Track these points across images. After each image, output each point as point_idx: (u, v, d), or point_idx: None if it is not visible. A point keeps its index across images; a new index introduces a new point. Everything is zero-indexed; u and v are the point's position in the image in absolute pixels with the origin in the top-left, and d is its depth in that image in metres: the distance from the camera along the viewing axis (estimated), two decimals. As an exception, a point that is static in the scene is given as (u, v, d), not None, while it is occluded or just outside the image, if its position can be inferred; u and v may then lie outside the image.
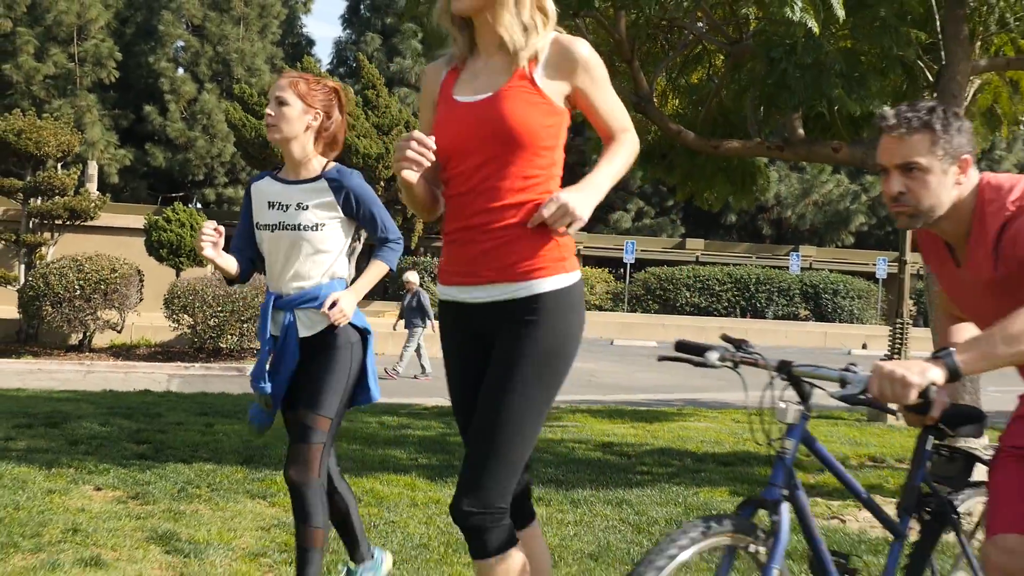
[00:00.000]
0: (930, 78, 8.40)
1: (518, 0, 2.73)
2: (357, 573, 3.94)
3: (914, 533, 3.03)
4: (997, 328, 2.50)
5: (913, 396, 2.39)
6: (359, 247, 29.20)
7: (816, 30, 6.14)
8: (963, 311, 3.04)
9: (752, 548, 2.56)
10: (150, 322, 19.82)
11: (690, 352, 2.72)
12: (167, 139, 38.17)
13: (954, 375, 2.46)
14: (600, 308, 35.48)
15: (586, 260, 37.94)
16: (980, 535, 3.08)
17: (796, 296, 36.59)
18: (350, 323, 3.73)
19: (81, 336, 19.08)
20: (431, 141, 2.67)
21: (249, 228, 3.90)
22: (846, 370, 2.57)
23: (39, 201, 19.58)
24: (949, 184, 2.73)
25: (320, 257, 3.73)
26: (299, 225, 3.71)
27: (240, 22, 39.76)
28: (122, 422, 8.54)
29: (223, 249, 3.76)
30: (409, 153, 2.64)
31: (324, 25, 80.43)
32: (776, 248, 41.43)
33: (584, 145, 40.63)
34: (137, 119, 38.75)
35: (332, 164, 3.81)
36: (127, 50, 39.37)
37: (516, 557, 2.72)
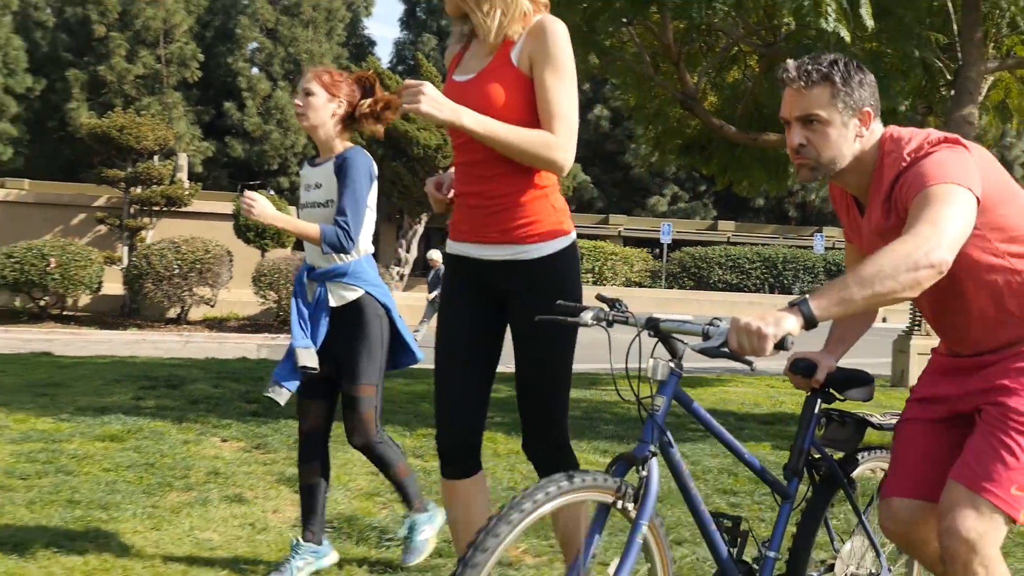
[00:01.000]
0: (948, 76, 8.61)
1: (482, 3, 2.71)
2: (415, 524, 3.91)
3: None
4: (851, 272, 2.30)
5: (769, 347, 2.20)
6: (420, 229, 29.54)
7: (848, 39, 6.38)
8: None
9: (620, 505, 2.38)
10: (238, 298, 20.30)
11: (566, 313, 2.55)
12: (245, 132, 38.66)
13: (810, 322, 2.25)
14: (639, 285, 35.63)
15: (626, 240, 38.06)
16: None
17: (821, 273, 36.52)
18: (373, 296, 3.72)
19: (178, 310, 19.62)
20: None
21: None
22: (710, 324, 2.37)
23: (139, 190, 20.06)
24: (850, 137, 2.54)
25: None
26: (316, 203, 3.75)
27: (309, 25, 40.09)
28: (231, 384, 8.95)
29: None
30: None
31: (383, 26, 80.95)
32: (801, 229, 41.30)
33: (622, 135, 40.31)
34: (218, 114, 39.25)
35: (350, 147, 3.76)
36: (208, 51, 39.83)
37: None
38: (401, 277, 29.00)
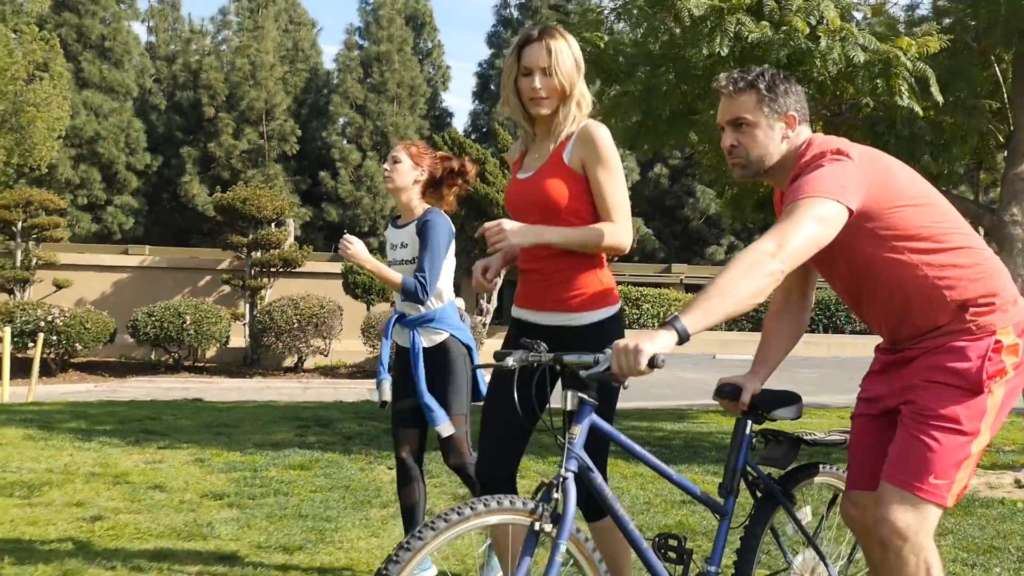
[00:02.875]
0: (1000, 139, 9.01)
1: (577, 103, 2.90)
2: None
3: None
4: (712, 284, 2.30)
5: (643, 362, 2.19)
6: (499, 282, 30.17)
7: (920, 113, 6.86)
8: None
9: (538, 526, 2.37)
10: (346, 347, 21.04)
11: (499, 359, 2.62)
12: (338, 198, 39.80)
13: (683, 336, 2.25)
14: (701, 328, 35.77)
15: (687, 288, 38.31)
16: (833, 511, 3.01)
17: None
18: (457, 339, 3.90)
19: (295, 360, 20.43)
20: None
21: None
22: (601, 352, 2.39)
23: (259, 253, 20.95)
24: (776, 138, 2.59)
25: None
26: (402, 260, 3.94)
27: (394, 101, 41.27)
28: (372, 423, 9.57)
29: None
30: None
31: (458, 98, 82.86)
32: (851, 273, 41.09)
33: (680, 191, 40.42)
34: (314, 183, 40.45)
35: (429, 209, 3.94)
36: (304, 127, 41.17)
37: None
38: (484, 325, 29.67)
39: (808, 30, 6.64)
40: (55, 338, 17.97)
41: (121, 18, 40.65)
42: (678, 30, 7.07)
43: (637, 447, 2.62)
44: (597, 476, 2.52)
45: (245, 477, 6.19)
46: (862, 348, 31.69)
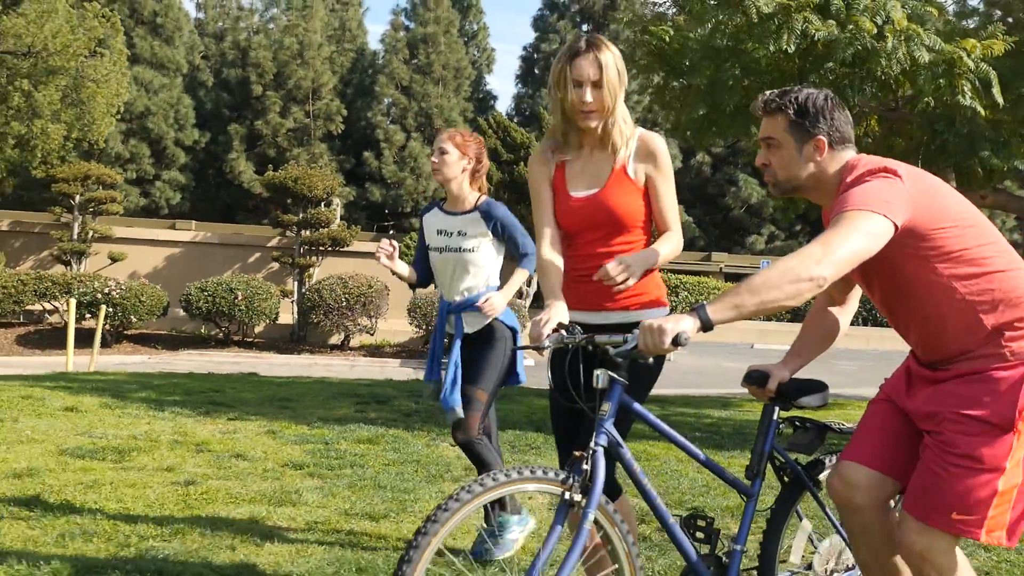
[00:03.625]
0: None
1: (619, 121, 2.92)
2: (506, 522, 4.05)
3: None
4: (746, 280, 2.39)
5: (667, 341, 2.31)
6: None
7: (983, 113, 6.97)
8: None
9: (569, 496, 2.49)
10: (391, 327, 21.36)
11: (534, 343, 2.71)
12: (382, 179, 40.10)
13: (706, 324, 2.35)
14: (740, 317, 35.78)
15: (727, 276, 38.27)
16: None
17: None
18: (502, 321, 3.99)
19: (341, 337, 20.81)
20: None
21: (424, 248, 4.21)
22: (629, 333, 2.53)
23: (308, 232, 21.29)
24: (803, 160, 2.63)
25: (478, 271, 4.04)
26: (460, 248, 4.01)
27: (439, 83, 41.48)
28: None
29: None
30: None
31: (501, 81, 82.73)
32: (893, 266, 40.83)
33: (722, 179, 40.31)
34: (357, 163, 40.75)
35: (483, 198, 4.08)
36: (349, 107, 41.49)
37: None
38: (524, 308, 29.91)
39: (875, 29, 6.75)
40: (111, 310, 18.44)
41: (172, -5, 41.15)
42: (745, 26, 7.21)
43: (666, 427, 2.71)
44: (626, 451, 2.63)
45: (319, 449, 6.47)
46: (901, 342, 31.49)
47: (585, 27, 46.31)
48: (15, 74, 18.87)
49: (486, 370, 3.92)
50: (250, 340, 20.75)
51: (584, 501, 2.48)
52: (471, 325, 4.02)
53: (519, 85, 47.87)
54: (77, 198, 21.24)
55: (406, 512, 4.83)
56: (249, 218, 41.35)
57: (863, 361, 23.79)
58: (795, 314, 35.94)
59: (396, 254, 4.07)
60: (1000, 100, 6.91)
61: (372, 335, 20.48)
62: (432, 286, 4.32)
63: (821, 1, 7.02)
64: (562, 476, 2.50)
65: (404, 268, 4.22)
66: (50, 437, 6.45)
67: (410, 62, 41.63)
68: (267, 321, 20.19)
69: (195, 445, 6.42)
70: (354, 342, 21.02)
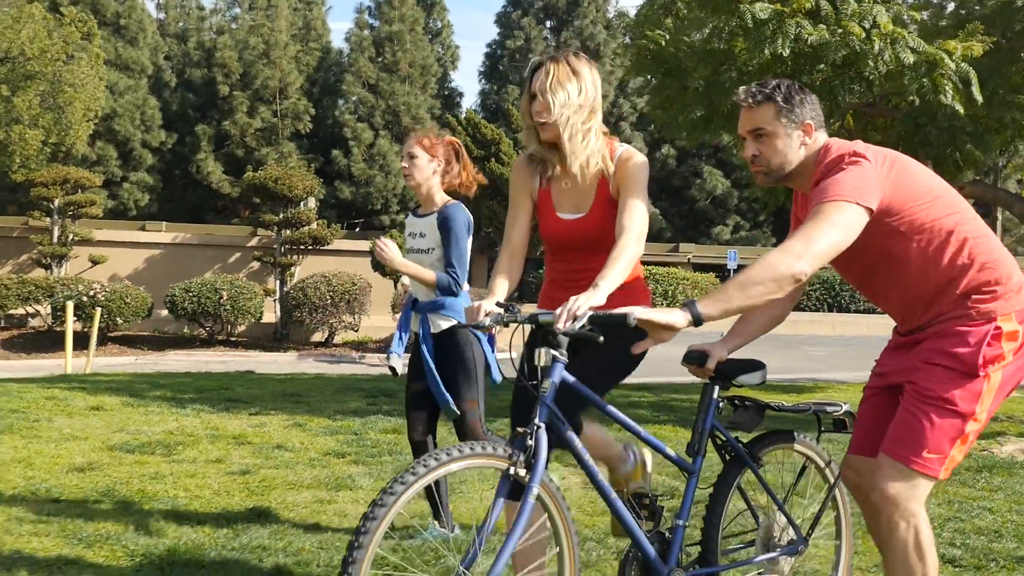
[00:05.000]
0: (1029, 131, 9.59)
1: (579, 134, 2.86)
2: (434, 534, 4.10)
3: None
4: (734, 277, 2.46)
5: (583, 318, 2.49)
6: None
7: (962, 112, 7.43)
8: None
9: (513, 471, 2.51)
10: (374, 323, 21.62)
11: (471, 324, 2.75)
12: (351, 176, 40.25)
13: (696, 319, 2.44)
14: (708, 306, 36.42)
15: (695, 266, 38.93)
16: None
17: (874, 293, 36.99)
18: (468, 327, 4.09)
19: (325, 335, 21.03)
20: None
21: None
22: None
23: (289, 231, 21.47)
24: (795, 145, 2.70)
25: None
26: (420, 249, 4.08)
27: (405, 80, 41.66)
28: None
29: None
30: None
31: (466, 78, 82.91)
32: (854, 253, 41.64)
33: (687, 171, 40.84)
34: (326, 161, 40.83)
35: (449, 202, 4.05)
36: (317, 105, 41.56)
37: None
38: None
39: (863, 33, 7.19)
40: (93, 312, 18.51)
41: (135, -4, 40.93)
42: (740, 30, 7.61)
43: (609, 406, 2.75)
44: (567, 427, 2.64)
45: (351, 439, 6.79)
46: (866, 327, 32.35)
47: (549, 23, 46.69)
48: (-7, 79, 18.88)
49: (463, 382, 3.97)
50: (234, 339, 20.91)
51: (528, 476, 2.50)
52: (436, 326, 4.07)
53: (483, 81, 48.22)
54: (56, 202, 21.24)
55: (455, 493, 5.17)
56: (218, 218, 41.33)
57: (832, 347, 24.43)
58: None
59: (390, 248, 4.01)
60: (979, 98, 7.38)
61: (356, 331, 20.73)
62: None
63: (812, 7, 7.44)
64: (507, 452, 2.52)
65: (422, 270, 4.14)
66: (91, 434, 6.71)
67: (376, 60, 41.77)
68: (251, 320, 20.36)
69: (232, 438, 6.71)
70: (337, 339, 21.25)
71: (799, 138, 2.69)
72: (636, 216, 2.80)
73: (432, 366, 4.00)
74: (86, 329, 17.90)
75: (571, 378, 2.67)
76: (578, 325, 2.54)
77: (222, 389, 10.13)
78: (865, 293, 2.86)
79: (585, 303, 2.51)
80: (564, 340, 2.62)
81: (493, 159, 31.31)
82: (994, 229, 23.42)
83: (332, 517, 4.55)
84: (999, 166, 11.62)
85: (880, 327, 34.15)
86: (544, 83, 2.79)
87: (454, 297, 4.02)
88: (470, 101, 65.18)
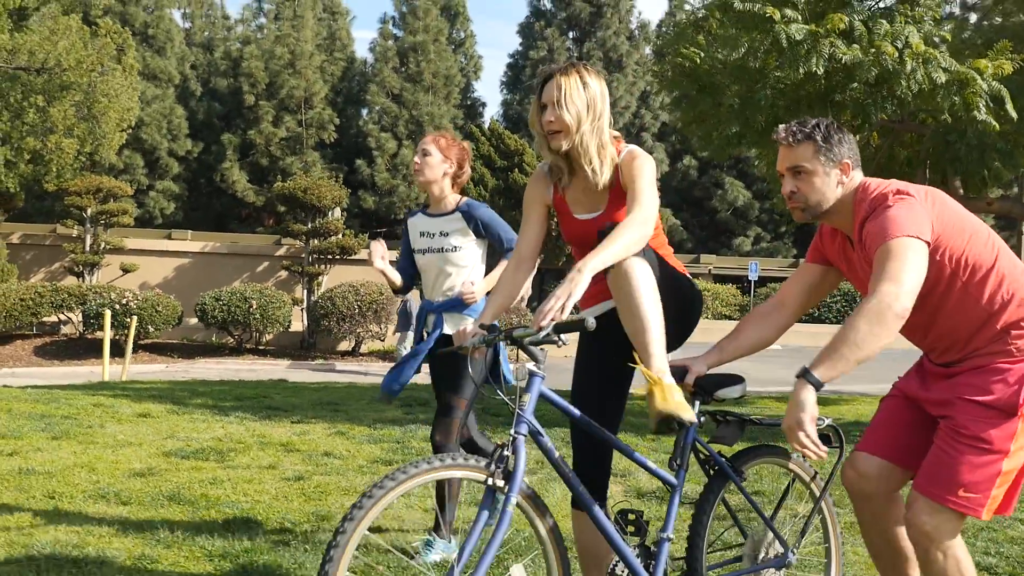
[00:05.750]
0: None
1: (590, 142, 2.92)
2: (435, 543, 4.07)
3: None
4: (840, 335, 2.52)
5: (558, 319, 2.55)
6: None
7: (996, 128, 7.59)
8: (858, 287, 2.93)
9: (491, 482, 2.55)
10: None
11: (458, 346, 2.86)
12: (374, 186, 40.59)
13: (817, 386, 2.53)
14: (728, 318, 36.51)
15: (716, 277, 39.02)
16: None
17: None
18: (454, 351, 4.07)
19: (351, 344, 21.28)
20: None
21: (408, 252, 4.24)
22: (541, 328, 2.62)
23: (317, 241, 21.73)
24: (833, 184, 2.75)
25: (460, 271, 4.06)
26: (442, 248, 4.05)
27: (429, 90, 42.00)
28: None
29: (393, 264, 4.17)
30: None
31: (487, 88, 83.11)
32: (877, 265, 41.60)
33: (708, 182, 40.92)
34: (350, 170, 41.18)
35: (463, 199, 4.13)
36: (341, 115, 41.96)
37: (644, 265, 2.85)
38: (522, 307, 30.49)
39: (896, 53, 7.36)
40: (128, 320, 18.84)
41: (163, 6, 41.47)
42: (775, 50, 7.79)
43: (587, 419, 2.82)
44: (546, 439, 2.71)
45: (395, 447, 6.98)
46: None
47: (571, 34, 46.94)
48: (30, 90, 19.25)
49: (465, 379, 3.95)
50: (262, 348, 21.19)
51: (507, 487, 2.55)
52: (452, 325, 4.06)
53: (504, 91, 48.53)
54: (89, 211, 21.60)
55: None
56: (242, 227, 41.76)
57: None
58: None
59: (388, 257, 4.09)
60: (1014, 115, 7.53)
61: (383, 341, 20.95)
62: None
63: (845, 28, 7.62)
64: (485, 463, 2.57)
65: (396, 276, 4.23)
66: (144, 440, 6.93)
67: (400, 70, 42.14)
68: (280, 329, 20.64)
69: (280, 445, 6.92)
70: (363, 348, 21.49)
71: (836, 176, 2.75)
72: (642, 202, 2.83)
73: (422, 354, 3.99)
74: (118, 337, 18.22)
75: (550, 393, 2.74)
76: (542, 336, 2.61)
77: (261, 397, 10.36)
78: (904, 331, 2.82)
79: (564, 295, 2.55)
80: (542, 355, 2.73)
81: (516, 169, 31.54)
82: (1018, 242, 23.43)
83: (390, 521, 4.74)
84: (1022, 181, 11.72)
85: (899, 340, 34.00)
86: (555, 94, 2.85)
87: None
88: (492, 111, 65.57)
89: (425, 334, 4.20)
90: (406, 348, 17.26)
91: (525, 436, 2.61)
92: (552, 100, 2.86)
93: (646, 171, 2.89)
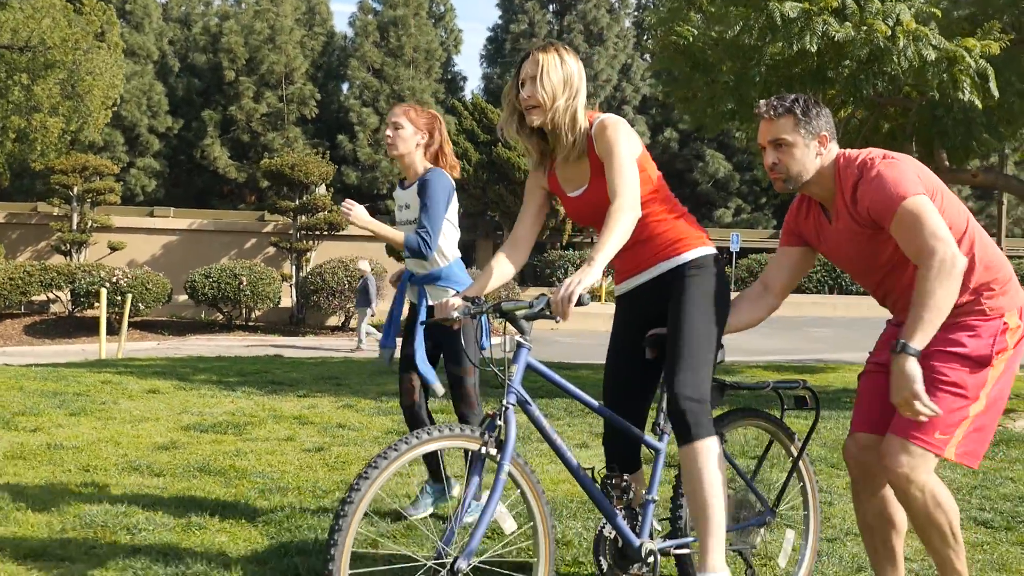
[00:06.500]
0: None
1: (566, 118, 2.97)
2: (432, 494, 4.25)
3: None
4: (922, 307, 2.65)
5: (574, 301, 2.57)
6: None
7: (980, 106, 7.80)
8: (832, 258, 3.06)
9: (485, 451, 2.63)
10: (386, 307, 21.98)
11: (441, 318, 2.87)
12: (357, 161, 40.58)
13: (916, 356, 2.66)
14: (711, 289, 36.85)
15: (698, 249, 39.28)
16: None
17: (876, 275, 37.39)
18: (437, 322, 4.12)
19: (340, 319, 21.42)
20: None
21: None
22: (536, 299, 2.72)
23: (304, 217, 21.81)
24: (812, 155, 2.87)
25: None
26: (407, 221, 4.08)
27: (410, 65, 41.92)
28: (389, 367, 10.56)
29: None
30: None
31: (467, 61, 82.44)
32: (856, 235, 42.05)
33: (689, 154, 41.20)
34: (332, 146, 41.08)
35: (429, 169, 4.06)
36: (322, 90, 41.84)
37: (716, 442, 2.89)
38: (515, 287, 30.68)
39: (888, 31, 7.56)
40: (119, 298, 18.90)
41: (140, -19, 41.11)
42: (768, 27, 7.97)
43: (572, 387, 2.89)
44: (534, 408, 2.80)
45: (401, 421, 7.18)
46: (867, 309, 32.77)
47: (552, 7, 46.86)
48: (14, 68, 19.17)
49: (462, 348, 4.00)
50: (252, 324, 21.30)
51: (499, 455, 2.64)
52: (433, 297, 4.09)
53: (484, 65, 48.45)
54: (75, 189, 21.58)
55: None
56: (223, 203, 41.66)
57: (835, 328, 24.82)
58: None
59: (357, 208, 4.06)
60: (996, 93, 7.74)
61: (373, 315, 21.12)
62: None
63: (838, 5, 7.80)
64: (477, 433, 2.66)
65: (392, 231, 4.17)
66: (160, 416, 7.10)
67: (380, 45, 42.00)
68: (269, 305, 20.75)
69: (294, 419, 7.11)
70: (352, 322, 21.64)
71: (815, 148, 2.87)
72: (622, 179, 2.86)
73: (422, 342, 4.01)
74: (110, 315, 18.29)
75: (537, 363, 2.83)
76: (536, 310, 2.71)
77: (262, 372, 10.54)
78: (877, 292, 3.03)
79: (578, 281, 2.59)
80: (528, 326, 2.81)
81: (500, 143, 31.64)
82: (998, 212, 23.84)
83: (415, 489, 4.95)
84: (1003, 154, 11.99)
85: (882, 309, 34.39)
86: (534, 70, 2.91)
87: (423, 259, 4.01)
88: (473, 85, 65.45)
89: (410, 305, 4.27)
90: (367, 324, 17.50)
91: (514, 406, 2.70)
92: (530, 75, 2.93)
93: (620, 141, 2.91)
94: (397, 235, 4.06)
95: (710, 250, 3.05)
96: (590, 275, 2.62)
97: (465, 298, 2.90)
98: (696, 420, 2.82)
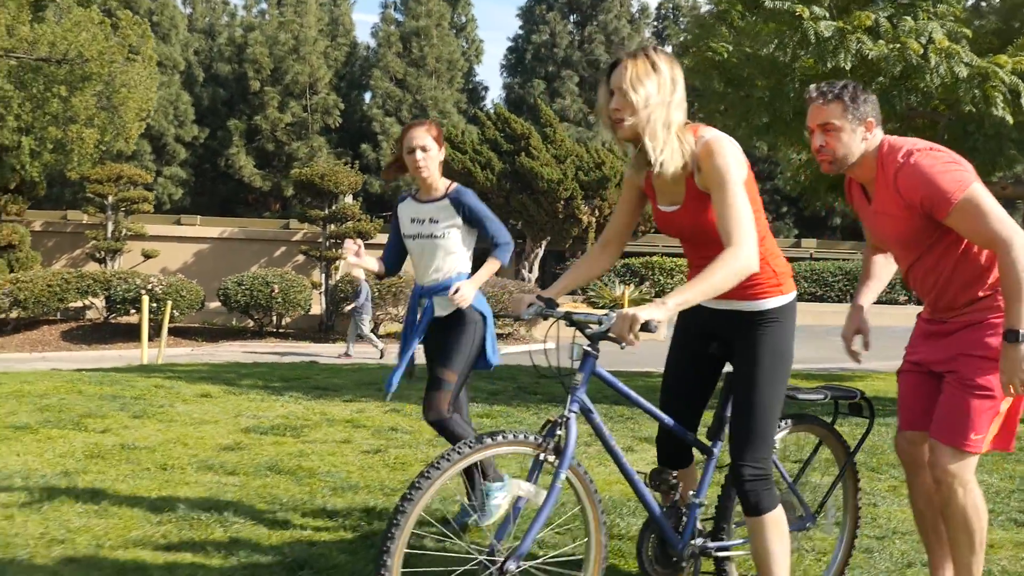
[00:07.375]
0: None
1: (659, 131, 2.78)
2: (489, 490, 4.05)
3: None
4: (1016, 295, 2.80)
5: (636, 328, 2.50)
6: (540, 252, 31.34)
7: (1011, 122, 8.01)
8: (875, 237, 3.26)
9: (542, 457, 2.65)
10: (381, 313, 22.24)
11: (513, 315, 2.87)
12: (379, 170, 40.95)
13: (1019, 336, 2.81)
14: (732, 297, 36.97)
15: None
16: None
17: (897, 285, 37.48)
18: (473, 307, 4.02)
19: (370, 326, 21.70)
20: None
21: (396, 237, 4.26)
22: (605, 315, 2.66)
23: (333, 226, 22.13)
24: (858, 139, 3.00)
25: (448, 256, 4.06)
26: (432, 234, 4.06)
27: (432, 75, 42.28)
28: (501, 382, 10.76)
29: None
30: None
31: (487, 71, 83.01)
32: (876, 245, 42.09)
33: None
34: (355, 155, 41.47)
35: (454, 185, 4.11)
36: (345, 100, 42.27)
37: (781, 514, 2.91)
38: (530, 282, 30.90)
39: (921, 49, 7.79)
40: (155, 305, 19.27)
41: (167, -7, 41.72)
42: (803, 44, 8.21)
43: (634, 394, 2.91)
44: (596, 416, 2.81)
45: (454, 423, 7.43)
46: (889, 318, 32.78)
47: (573, 17, 47.17)
48: (52, 80, 19.59)
49: (456, 353, 3.99)
50: (282, 331, 21.62)
51: (557, 461, 2.65)
52: (442, 308, 4.10)
53: (505, 75, 48.78)
54: (110, 198, 21.99)
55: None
56: (248, 211, 42.12)
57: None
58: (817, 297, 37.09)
59: (362, 251, 4.16)
60: (1029, 110, 7.96)
61: (402, 323, 21.41)
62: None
63: (872, 24, 8.04)
64: (537, 440, 2.68)
65: (372, 263, 4.28)
66: (218, 419, 7.38)
67: (403, 55, 42.41)
68: (300, 312, 21.07)
69: (346, 422, 7.37)
70: (381, 330, 21.93)
71: (861, 133, 3.01)
72: (738, 223, 2.67)
73: (415, 343, 4.10)
74: (140, 321, 18.65)
75: (604, 372, 2.82)
76: (601, 329, 2.69)
77: (304, 378, 10.80)
78: (911, 277, 3.18)
79: (643, 317, 2.50)
80: (596, 339, 2.78)
81: (523, 153, 31.88)
82: (1020, 222, 23.91)
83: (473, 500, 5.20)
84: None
85: (903, 318, 34.56)
86: (623, 80, 2.72)
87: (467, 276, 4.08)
88: (494, 95, 65.88)
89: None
90: (364, 325, 17.72)
91: (577, 414, 2.71)
92: (618, 85, 2.76)
93: (730, 173, 2.70)
94: (493, 268, 4.09)
95: (790, 297, 2.99)
96: (657, 311, 2.51)
97: (540, 298, 2.88)
98: (759, 497, 2.84)
